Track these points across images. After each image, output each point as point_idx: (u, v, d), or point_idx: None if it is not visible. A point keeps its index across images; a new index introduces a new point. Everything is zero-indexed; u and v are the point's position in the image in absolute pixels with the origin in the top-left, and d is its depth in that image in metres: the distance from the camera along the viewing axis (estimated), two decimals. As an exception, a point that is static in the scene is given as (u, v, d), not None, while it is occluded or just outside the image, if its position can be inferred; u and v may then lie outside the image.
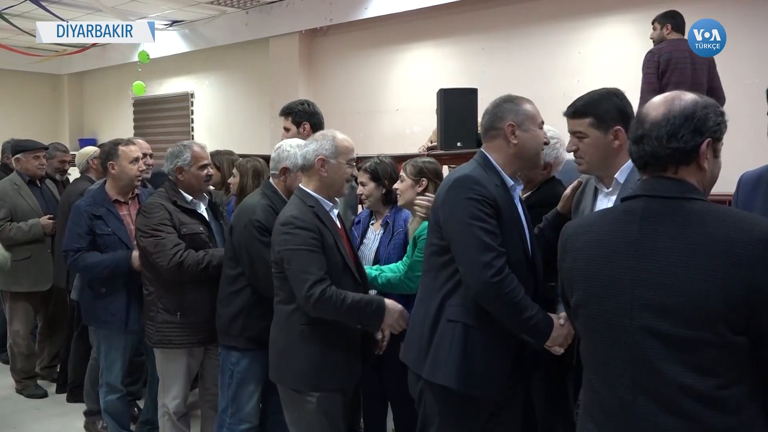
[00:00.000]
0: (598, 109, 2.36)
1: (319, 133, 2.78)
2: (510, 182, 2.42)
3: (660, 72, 5.23)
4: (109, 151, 3.77)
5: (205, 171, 3.45)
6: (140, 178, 3.83)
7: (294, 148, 3.02)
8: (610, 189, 2.42)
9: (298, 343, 2.64)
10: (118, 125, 12.43)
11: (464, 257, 2.25)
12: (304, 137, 3.44)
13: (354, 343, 2.73)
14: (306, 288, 2.50)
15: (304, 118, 3.66)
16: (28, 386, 5.04)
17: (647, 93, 5.08)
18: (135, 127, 12.22)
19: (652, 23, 5.70)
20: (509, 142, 2.41)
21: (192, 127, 11.47)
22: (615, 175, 2.38)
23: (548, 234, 2.69)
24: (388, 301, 2.70)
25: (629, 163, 2.35)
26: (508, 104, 2.47)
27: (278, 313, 2.74)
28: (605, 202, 2.43)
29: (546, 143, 2.49)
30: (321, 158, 2.69)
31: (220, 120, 11.02)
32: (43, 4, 8.39)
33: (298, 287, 2.53)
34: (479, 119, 4.96)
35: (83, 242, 3.63)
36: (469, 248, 2.23)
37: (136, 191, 3.92)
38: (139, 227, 3.38)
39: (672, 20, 5.45)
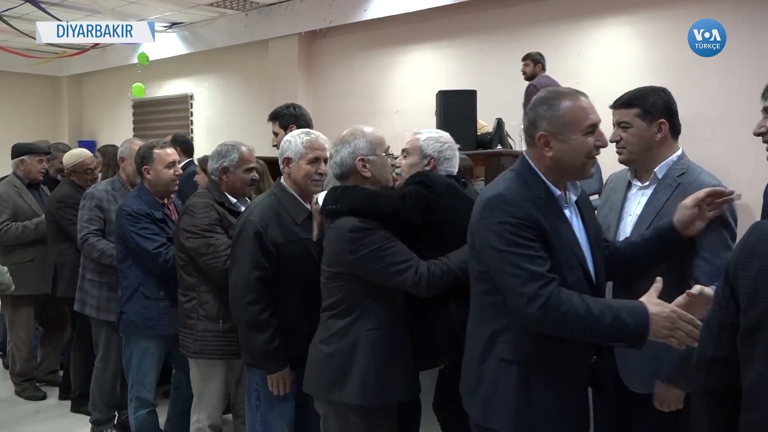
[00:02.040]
0: (646, 102, 2.36)
1: (345, 134, 2.56)
2: (557, 192, 2.05)
3: None
4: (144, 155, 3.60)
5: (251, 175, 3.29)
6: (176, 183, 3.63)
7: (295, 137, 2.83)
8: (646, 183, 2.42)
9: (359, 355, 2.43)
10: (118, 127, 12.44)
11: (507, 290, 1.94)
12: None
13: (412, 353, 2.52)
14: (411, 274, 2.35)
15: (290, 120, 3.64)
16: (27, 388, 5.02)
17: None
18: (134, 129, 12.22)
19: (525, 60, 6.97)
20: (543, 154, 2.03)
21: (191, 129, 11.48)
22: (654, 170, 2.38)
23: (651, 246, 2.26)
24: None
25: (669, 159, 2.38)
26: (542, 107, 2.04)
27: (331, 326, 2.51)
28: (638, 195, 2.43)
29: (601, 146, 2.06)
30: (360, 158, 2.50)
31: (220, 122, 11.03)
32: (42, 5, 8.40)
33: (399, 277, 2.36)
34: (478, 121, 5.00)
35: (162, 238, 3.46)
36: (510, 279, 1.91)
37: (172, 196, 3.74)
38: (186, 228, 3.15)
39: (541, 61, 6.93)
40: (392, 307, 2.47)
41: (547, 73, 7.56)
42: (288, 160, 2.82)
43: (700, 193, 2.20)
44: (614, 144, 2.40)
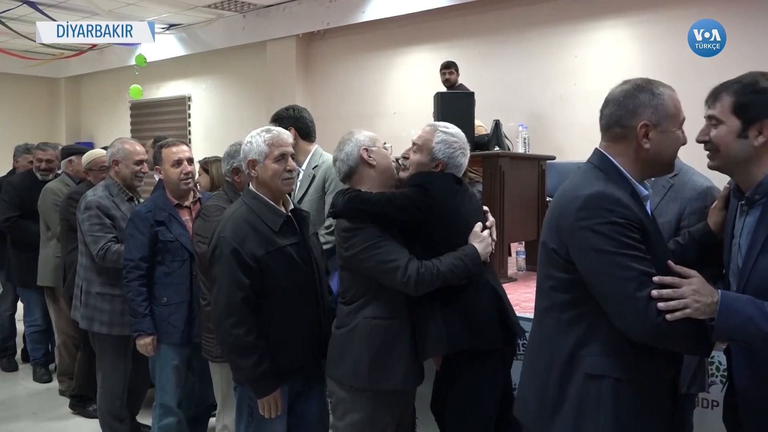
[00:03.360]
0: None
1: (343, 136, 2.68)
2: (643, 192, 1.91)
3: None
4: (155, 155, 3.56)
5: None
6: (187, 183, 3.51)
7: (255, 137, 2.70)
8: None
9: (355, 341, 2.53)
10: (116, 129, 12.41)
11: (616, 296, 1.76)
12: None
13: (410, 345, 2.56)
14: (400, 274, 2.40)
15: (289, 123, 3.58)
16: (73, 387, 4.97)
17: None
18: (132, 131, 12.21)
19: (449, 68, 7.37)
20: (640, 145, 1.87)
21: (189, 131, 11.46)
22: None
23: (689, 254, 2.10)
24: (474, 236, 2.56)
25: None
26: (644, 95, 1.86)
27: (340, 312, 2.64)
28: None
29: (684, 143, 1.93)
30: (364, 148, 2.60)
31: (217, 123, 11.01)
32: (40, 7, 8.39)
33: (388, 276, 2.43)
34: (476, 123, 4.98)
35: (145, 251, 3.39)
36: (622, 285, 1.74)
37: (197, 195, 3.63)
38: (197, 231, 3.11)
39: (459, 70, 7.42)
40: (392, 299, 2.51)
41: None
42: (253, 163, 2.67)
43: (725, 192, 2.09)
44: None
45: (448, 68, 7.38)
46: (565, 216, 1.84)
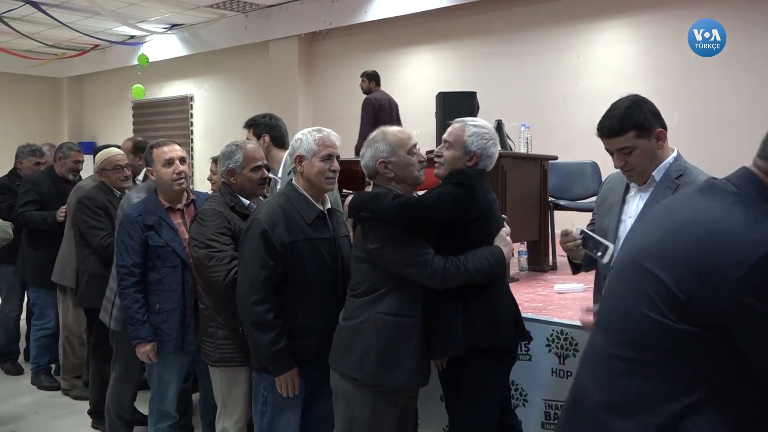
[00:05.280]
0: (636, 121, 2.32)
1: (370, 138, 2.66)
2: None
3: (374, 113, 7.37)
4: (146, 156, 3.40)
5: (260, 173, 3.13)
6: (180, 183, 3.34)
7: (306, 135, 2.82)
8: (644, 186, 2.42)
9: (365, 335, 2.53)
10: (118, 128, 12.44)
11: None
12: (264, 149, 3.36)
13: (424, 343, 2.57)
14: (426, 267, 2.44)
15: (264, 130, 3.60)
16: (75, 386, 4.93)
17: (367, 126, 6.78)
18: (134, 131, 12.22)
19: (361, 77, 7.78)
20: None
21: (191, 131, 11.49)
22: (653, 173, 2.37)
23: None
24: (500, 239, 2.61)
25: (666, 162, 2.37)
26: None
27: (350, 304, 2.64)
28: (637, 198, 2.44)
29: None
30: (381, 161, 2.59)
31: (219, 123, 11.02)
32: (42, 7, 8.41)
33: (414, 269, 2.46)
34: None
35: (137, 256, 3.27)
36: None
37: (191, 196, 3.47)
38: (193, 236, 3.04)
39: (375, 78, 7.80)
40: (407, 295, 2.53)
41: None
42: (300, 158, 2.79)
43: None
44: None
45: (361, 77, 7.81)
46: (719, 268, 1.32)
